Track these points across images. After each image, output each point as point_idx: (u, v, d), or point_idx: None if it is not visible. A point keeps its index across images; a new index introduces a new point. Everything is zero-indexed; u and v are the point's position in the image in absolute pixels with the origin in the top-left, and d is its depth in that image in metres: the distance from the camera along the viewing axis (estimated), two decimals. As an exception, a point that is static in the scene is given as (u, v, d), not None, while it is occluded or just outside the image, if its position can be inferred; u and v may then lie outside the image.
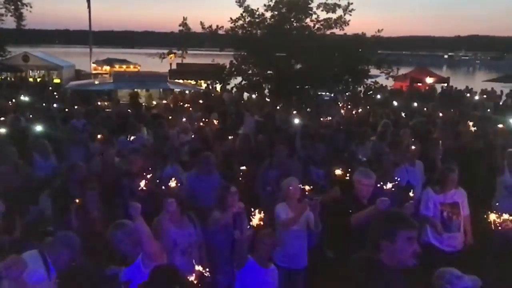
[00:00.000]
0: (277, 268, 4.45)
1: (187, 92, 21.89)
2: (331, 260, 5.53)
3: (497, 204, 6.37)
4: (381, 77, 12.07)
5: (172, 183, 4.47)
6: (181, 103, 16.26)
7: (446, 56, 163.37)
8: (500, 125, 9.88)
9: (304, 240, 4.99)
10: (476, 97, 22.66)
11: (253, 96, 13.65)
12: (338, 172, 5.80)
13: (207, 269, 3.55)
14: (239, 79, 9.23)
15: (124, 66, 33.52)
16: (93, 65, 33.40)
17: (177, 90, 21.61)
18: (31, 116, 11.50)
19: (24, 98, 16.87)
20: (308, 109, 10.73)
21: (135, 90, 19.65)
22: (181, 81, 24.67)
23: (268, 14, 9.21)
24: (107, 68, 32.72)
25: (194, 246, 4.56)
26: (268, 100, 10.33)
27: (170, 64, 28.73)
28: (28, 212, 5.67)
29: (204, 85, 26.31)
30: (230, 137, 8.68)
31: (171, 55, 26.64)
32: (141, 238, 3.54)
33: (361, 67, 9.32)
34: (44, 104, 15.76)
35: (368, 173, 4.93)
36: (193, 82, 26.25)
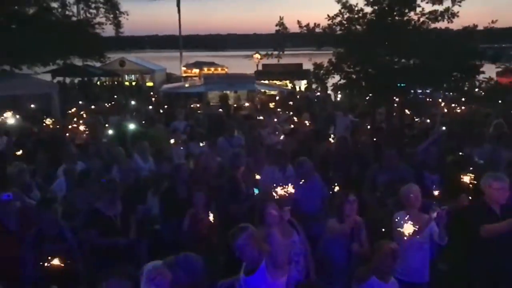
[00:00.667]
0: (397, 282, 4.07)
1: (272, 92, 21.95)
2: (441, 273, 5.08)
3: None
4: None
5: (290, 188, 4.13)
6: (270, 104, 16.27)
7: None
8: None
9: (426, 253, 4.53)
10: None
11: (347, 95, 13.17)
12: (465, 178, 5.23)
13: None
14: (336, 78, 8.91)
15: (212, 69, 34.52)
16: (183, 68, 34.78)
17: (262, 90, 21.76)
18: (131, 117, 12.15)
19: (122, 101, 17.98)
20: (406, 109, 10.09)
21: (224, 92, 20.09)
22: (266, 81, 24.81)
23: (368, 9, 8.76)
24: (196, 71, 33.92)
25: (300, 255, 4.34)
26: (368, 99, 9.87)
27: (257, 65, 29.06)
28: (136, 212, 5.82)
29: (289, 85, 26.28)
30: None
31: (258, 56, 27.01)
32: (273, 245, 3.35)
33: (473, 62, 8.52)
34: (140, 106, 16.66)
35: (500, 176, 4.40)
36: (278, 82, 26.31)
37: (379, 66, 8.45)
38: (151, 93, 24.48)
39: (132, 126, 9.55)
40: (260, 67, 28.89)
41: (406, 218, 4.30)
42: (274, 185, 4.24)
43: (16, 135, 9.29)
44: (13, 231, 4.46)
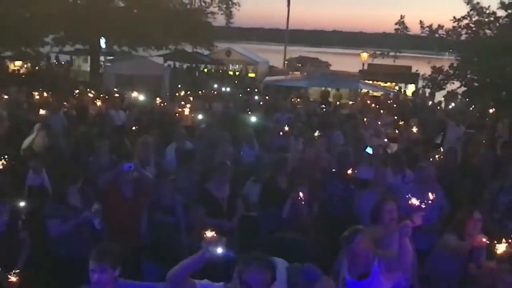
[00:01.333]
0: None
1: (375, 94, 21.20)
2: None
3: None
4: None
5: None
6: (374, 105, 15.69)
7: None
8: None
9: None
10: None
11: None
12: None
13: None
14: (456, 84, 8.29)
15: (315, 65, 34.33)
16: (286, 63, 35.01)
17: (364, 90, 21.12)
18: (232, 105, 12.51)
19: (225, 89, 18.57)
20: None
21: (326, 88, 19.84)
22: (370, 82, 24.04)
23: (501, 13, 8.00)
24: (299, 65, 33.97)
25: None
26: (491, 110, 9.06)
27: (363, 64, 28.28)
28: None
29: (395, 88, 25.19)
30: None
31: (366, 55, 26.26)
32: (390, 247, 3.21)
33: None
34: (241, 95, 17.08)
35: None
36: (383, 84, 25.35)
37: (507, 76, 7.70)
38: (254, 84, 25.01)
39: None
40: (365, 67, 28.06)
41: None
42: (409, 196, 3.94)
43: (136, 111, 10.03)
44: (130, 198, 4.79)
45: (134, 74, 17.46)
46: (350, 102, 17.21)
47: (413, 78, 24.61)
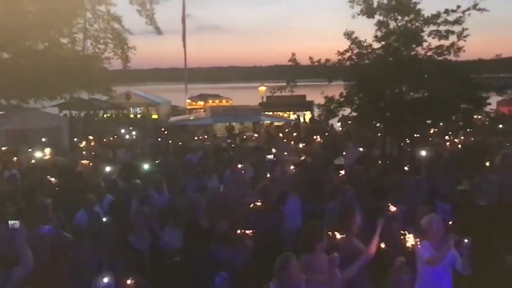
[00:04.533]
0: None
1: (276, 123, 22.22)
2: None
3: None
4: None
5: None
6: (278, 134, 16.49)
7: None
8: None
9: (449, 281, 4.61)
10: None
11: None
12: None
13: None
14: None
15: (217, 101, 34.96)
16: (188, 101, 35.20)
17: (267, 122, 22.04)
18: (139, 151, 12.31)
19: (128, 134, 18.20)
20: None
21: (231, 123, 20.36)
22: (271, 113, 25.15)
23: (376, 45, 9.11)
24: (201, 103, 34.37)
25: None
26: (380, 130, 10.09)
27: (262, 97, 29.51)
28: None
29: (293, 116, 26.59)
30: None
31: (263, 88, 27.45)
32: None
33: (480, 94, 8.80)
34: (147, 139, 16.87)
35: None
36: (282, 113, 26.63)
37: (389, 100, 8.71)
38: (158, 125, 24.75)
39: (144, 160, 9.69)
40: (264, 99, 29.32)
41: (427, 248, 4.47)
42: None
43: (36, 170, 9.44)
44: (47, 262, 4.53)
45: (28, 128, 16.38)
46: (255, 135, 17.83)
47: (308, 106, 26.31)
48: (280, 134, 17.24)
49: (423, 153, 9.10)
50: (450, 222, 5.24)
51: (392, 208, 5.40)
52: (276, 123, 22.24)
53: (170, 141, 15.20)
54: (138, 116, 32.54)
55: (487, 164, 8.42)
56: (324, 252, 4.19)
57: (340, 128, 17.98)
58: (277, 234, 5.99)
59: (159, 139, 16.20)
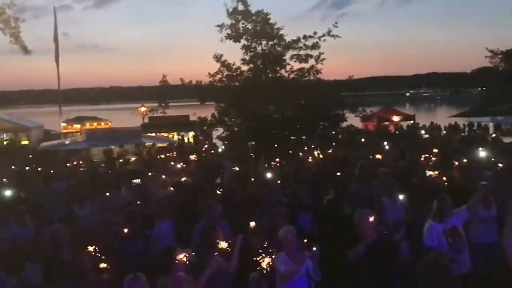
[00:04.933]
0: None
1: (160, 145, 21.90)
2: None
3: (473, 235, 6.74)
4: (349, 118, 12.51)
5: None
6: (160, 156, 16.24)
7: (408, 94, 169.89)
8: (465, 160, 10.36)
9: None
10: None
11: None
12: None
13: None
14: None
15: (95, 123, 33.22)
16: (63, 124, 32.97)
17: (149, 143, 21.63)
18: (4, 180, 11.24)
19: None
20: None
21: (109, 147, 19.52)
22: (153, 134, 24.74)
23: (244, 67, 9.61)
24: (77, 126, 32.37)
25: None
26: (252, 151, 10.52)
27: (143, 118, 28.85)
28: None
29: (176, 137, 26.48)
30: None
31: (144, 109, 26.86)
32: None
33: (337, 112, 9.76)
34: (13, 167, 15.42)
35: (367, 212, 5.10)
36: (165, 134, 26.36)
37: (258, 119, 9.19)
38: (27, 152, 22.73)
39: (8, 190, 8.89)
40: (146, 120, 28.74)
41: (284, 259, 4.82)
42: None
43: None
44: None
45: None
46: (133, 158, 17.33)
47: (191, 126, 26.40)
48: (162, 156, 17.00)
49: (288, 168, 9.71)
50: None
51: (252, 223, 5.68)
52: (159, 145, 21.91)
53: (39, 169, 14.09)
54: (5, 142, 29.55)
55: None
56: (185, 272, 4.25)
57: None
58: (146, 259, 5.89)
59: (27, 167, 14.88)
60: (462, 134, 22.99)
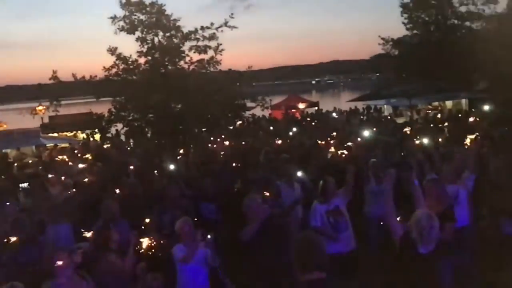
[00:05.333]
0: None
1: (63, 145, 20.67)
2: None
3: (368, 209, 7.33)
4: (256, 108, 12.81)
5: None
6: (62, 157, 15.31)
7: (313, 82, 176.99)
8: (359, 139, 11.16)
9: (204, 277, 5.09)
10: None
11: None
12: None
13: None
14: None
15: (-13, 127, 30.30)
16: None
17: (50, 144, 20.33)
18: None
19: None
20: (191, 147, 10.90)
21: (3, 150, 18.04)
22: (55, 134, 23.23)
23: (142, 60, 9.37)
24: (-34, 130, 29.27)
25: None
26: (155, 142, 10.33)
27: (42, 118, 26.85)
28: None
29: (81, 136, 25.06)
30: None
31: (41, 108, 25.02)
32: None
33: (239, 102, 9.90)
34: None
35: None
36: (69, 134, 24.85)
37: (158, 112, 9.05)
38: None
39: None
40: (46, 120, 26.83)
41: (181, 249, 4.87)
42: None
43: None
44: None
45: None
46: (30, 161, 16.17)
47: (97, 123, 25.11)
48: (65, 156, 16.03)
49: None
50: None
51: (147, 220, 5.67)
52: (62, 145, 20.64)
53: None
54: None
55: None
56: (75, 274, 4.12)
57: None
58: (40, 266, 5.59)
59: None
60: (362, 117, 24.57)
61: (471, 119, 15.27)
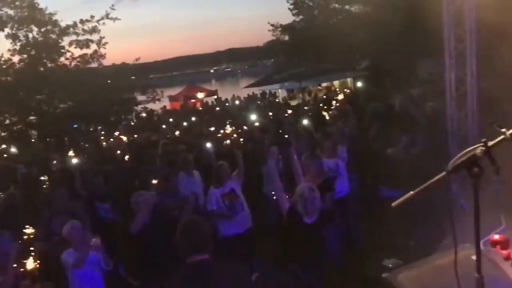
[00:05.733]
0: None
1: None
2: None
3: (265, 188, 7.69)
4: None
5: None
6: None
7: (212, 71, 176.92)
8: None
9: (99, 281, 4.98)
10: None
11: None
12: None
13: None
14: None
15: None
16: None
17: None
18: None
19: None
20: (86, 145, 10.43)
21: None
22: None
23: (15, 59, 8.65)
24: None
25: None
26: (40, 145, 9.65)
27: None
28: None
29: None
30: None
31: None
32: None
33: (128, 96, 9.62)
34: None
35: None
36: None
37: (40, 114, 8.49)
38: None
39: None
40: None
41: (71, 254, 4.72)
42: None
43: None
44: None
45: None
46: None
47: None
48: None
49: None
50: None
51: (32, 229, 5.42)
52: None
53: None
54: None
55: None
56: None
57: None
58: None
59: None
60: (259, 102, 25.24)
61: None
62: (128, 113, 9.91)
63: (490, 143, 1.58)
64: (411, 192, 1.74)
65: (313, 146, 7.16)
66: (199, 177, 7.51)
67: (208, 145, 8.21)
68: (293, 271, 4.65)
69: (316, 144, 7.31)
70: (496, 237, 3.07)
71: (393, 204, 1.78)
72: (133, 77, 10.21)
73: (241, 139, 10.15)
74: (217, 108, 22.83)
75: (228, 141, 10.14)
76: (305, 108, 15.77)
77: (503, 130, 1.57)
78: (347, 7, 26.82)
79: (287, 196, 4.97)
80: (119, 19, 9.72)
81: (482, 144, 1.58)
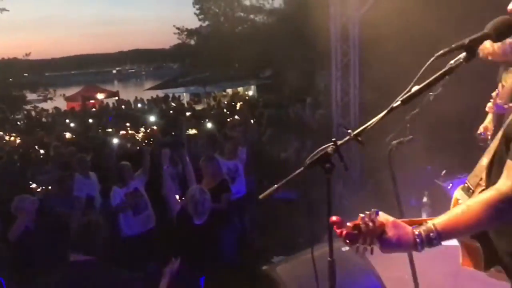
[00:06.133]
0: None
1: None
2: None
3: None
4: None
5: None
6: None
7: (114, 71, 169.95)
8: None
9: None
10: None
11: None
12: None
13: None
14: None
15: None
16: None
17: None
18: None
19: None
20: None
21: None
22: None
23: None
24: None
25: None
26: None
27: None
28: None
29: None
30: None
31: None
32: None
33: (17, 94, 8.96)
34: None
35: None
36: None
37: None
38: None
39: None
40: None
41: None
42: None
43: None
44: None
45: None
46: None
47: None
48: None
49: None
50: None
51: None
52: None
53: None
54: None
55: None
56: None
57: None
58: None
59: None
60: (162, 105, 24.91)
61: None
62: (16, 112, 9.20)
63: (339, 142, 1.84)
64: (275, 186, 1.95)
65: (212, 148, 7.32)
66: (96, 178, 7.30)
67: (111, 145, 8.00)
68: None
69: (216, 147, 7.49)
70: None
71: (260, 196, 1.97)
72: (26, 74, 9.53)
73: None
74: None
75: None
76: (211, 112, 16.05)
77: (349, 131, 1.85)
78: (251, 16, 27.71)
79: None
80: (7, 10, 9.07)
81: (332, 143, 1.84)
